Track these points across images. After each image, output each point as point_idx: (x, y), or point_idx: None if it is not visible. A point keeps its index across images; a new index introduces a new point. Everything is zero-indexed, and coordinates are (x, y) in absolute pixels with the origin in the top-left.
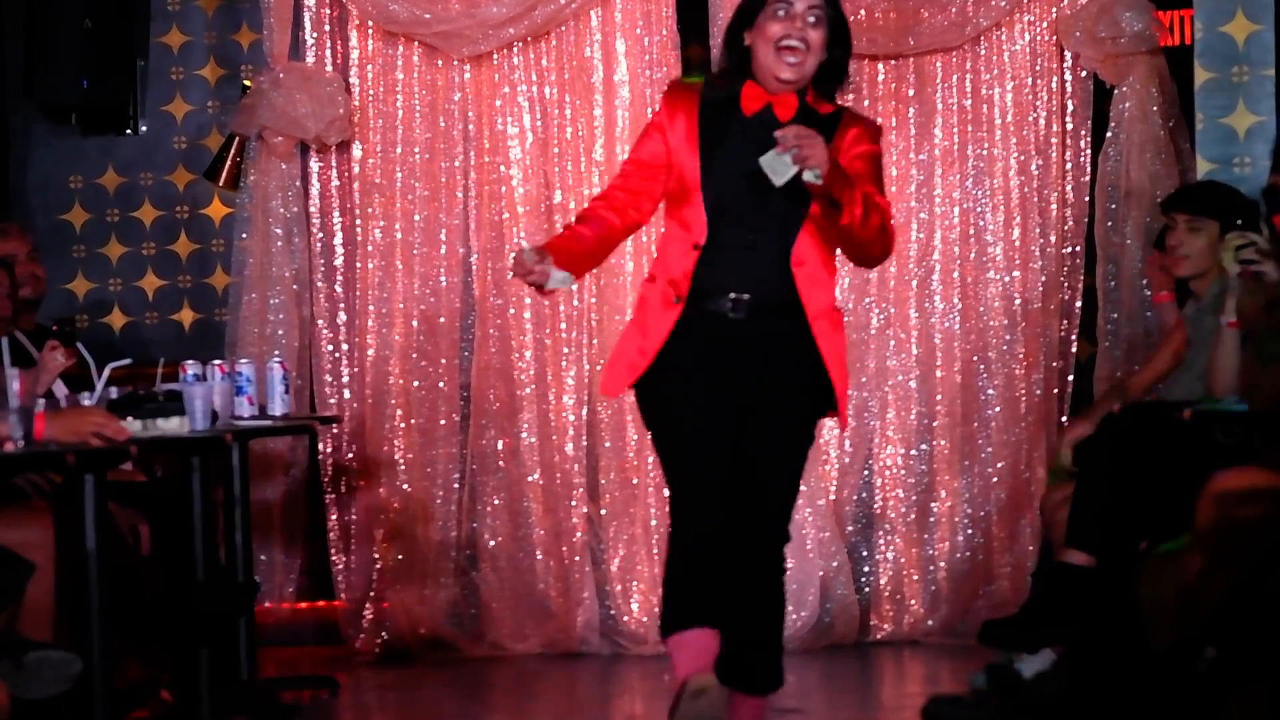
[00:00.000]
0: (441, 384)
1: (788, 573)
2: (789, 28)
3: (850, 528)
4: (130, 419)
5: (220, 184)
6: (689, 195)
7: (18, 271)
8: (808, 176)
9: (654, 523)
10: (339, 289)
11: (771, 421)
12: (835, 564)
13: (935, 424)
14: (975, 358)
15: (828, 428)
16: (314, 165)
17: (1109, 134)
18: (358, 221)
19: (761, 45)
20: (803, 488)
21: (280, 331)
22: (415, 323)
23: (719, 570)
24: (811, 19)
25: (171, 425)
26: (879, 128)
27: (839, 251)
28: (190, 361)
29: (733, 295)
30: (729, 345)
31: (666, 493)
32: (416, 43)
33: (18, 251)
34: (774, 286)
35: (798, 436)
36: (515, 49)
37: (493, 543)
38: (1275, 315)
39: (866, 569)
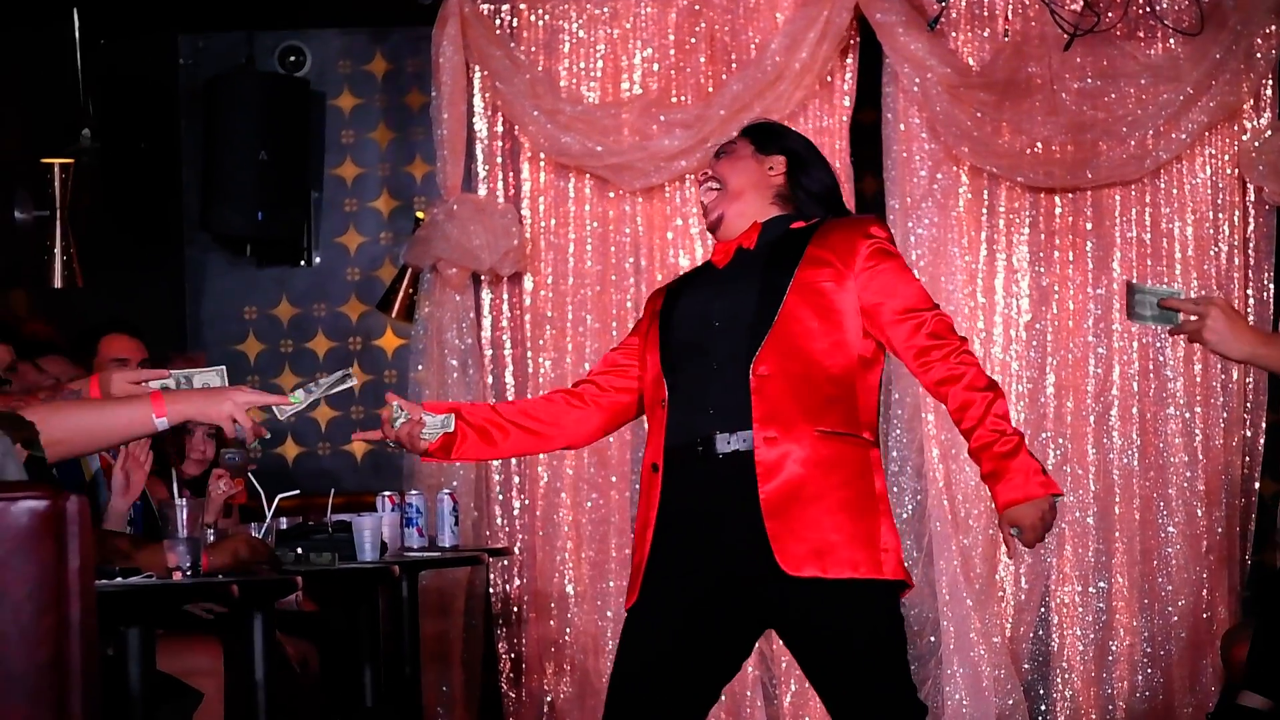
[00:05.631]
0: (613, 517)
1: (964, 709)
2: None
3: (1026, 665)
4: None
5: (393, 315)
6: None
7: None
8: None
9: None
10: None
11: None
12: (1011, 702)
13: (1113, 561)
14: (1155, 494)
15: (1004, 565)
16: (485, 297)
17: None
18: (529, 353)
19: None
20: (978, 624)
21: (455, 464)
22: (586, 455)
23: None
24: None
25: (323, 560)
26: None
27: None
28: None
29: None
30: None
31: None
32: (588, 175)
33: None
34: None
35: None
36: (687, 181)
37: None
38: None
39: (1043, 707)
